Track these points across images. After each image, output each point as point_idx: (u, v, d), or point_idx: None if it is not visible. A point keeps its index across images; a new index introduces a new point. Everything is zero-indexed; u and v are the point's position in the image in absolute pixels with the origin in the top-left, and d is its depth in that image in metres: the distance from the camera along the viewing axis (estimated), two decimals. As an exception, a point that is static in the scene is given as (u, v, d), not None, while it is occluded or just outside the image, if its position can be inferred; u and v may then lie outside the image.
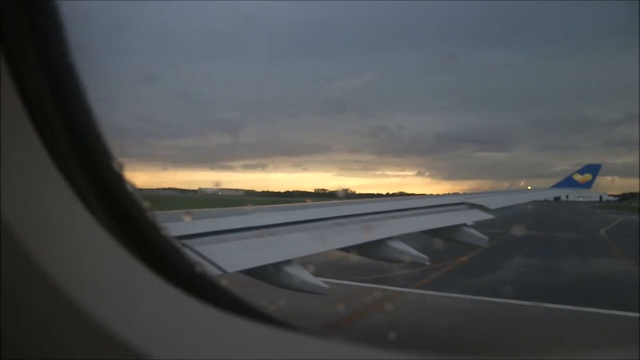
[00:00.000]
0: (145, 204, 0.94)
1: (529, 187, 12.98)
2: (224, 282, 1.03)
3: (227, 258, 3.16)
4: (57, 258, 0.79)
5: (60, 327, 0.78)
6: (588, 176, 13.22)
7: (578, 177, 13.24)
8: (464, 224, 6.54)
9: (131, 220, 0.94)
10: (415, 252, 5.07)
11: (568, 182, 13.21)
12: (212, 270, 2.86)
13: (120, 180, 0.94)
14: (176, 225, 3.27)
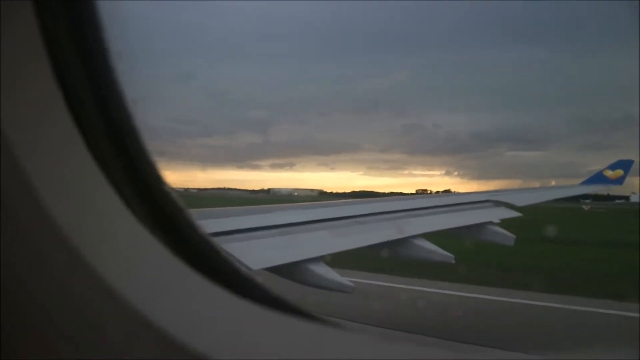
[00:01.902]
0: (182, 203, 0.97)
1: (553, 183, 12.63)
2: (256, 277, 1.05)
3: (252, 256, 3.20)
4: (104, 255, 0.81)
5: (110, 325, 0.81)
6: (620, 172, 12.77)
7: (609, 173, 12.80)
8: (490, 222, 6.43)
9: (169, 219, 0.97)
10: (441, 251, 5.02)
11: (598, 178, 12.79)
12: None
13: (158, 179, 0.96)
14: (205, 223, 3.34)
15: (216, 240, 1.05)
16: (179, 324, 0.78)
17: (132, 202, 0.91)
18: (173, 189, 0.96)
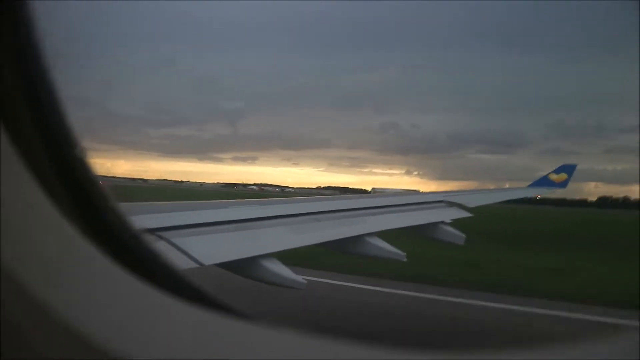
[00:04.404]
0: (110, 194, 0.95)
1: (507, 185, 13.20)
2: (186, 274, 1.05)
3: (203, 251, 3.15)
4: (23, 252, 0.78)
5: (28, 326, 0.78)
6: (564, 175, 13.56)
7: (554, 177, 13.56)
8: (442, 222, 6.65)
9: (94, 210, 0.94)
10: (393, 249, 5.14)
11: (544, 181, 13.52)
12: (188, 263, 2.86)
13: (83, 168, 0.94)
14: (154, 217, 3.26)
15: (148, 236, 1.03)
16: (101, 324, 0.77)
17: (55, 193, 0.88)
18: (101, 181, 0.94)
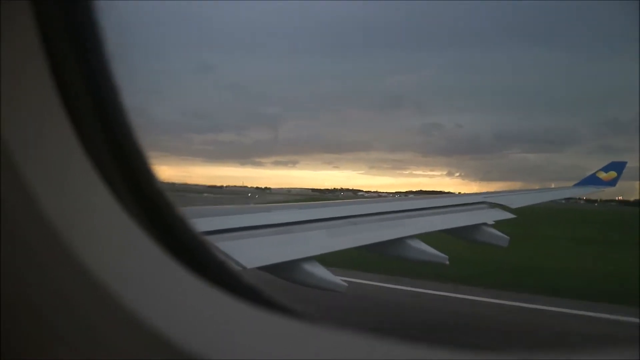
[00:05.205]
0: (174, 200, 0.98)
1: (552, 185, 12.70)
2: (246, 275, 1.07)
3: (246, 254, 3.21)
4: (95, 253, 0.83)
5: (102, 324, 0.82)
6: (613, 174, 12.86)
7: (602, 175, 12.89)
8: (484, 224, 6.47)
9: (161, 216, 0.98)
10: (435, 252, 5.04)
11: (592, 179, 12.87)
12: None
13: (151, 177, 0.98)
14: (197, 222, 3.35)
15: (208, 239, 1.06)
16: (170, 323, 0.80)
17: (125, 199, 0.92)
18: (166, 186, 0.98)
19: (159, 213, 0.99)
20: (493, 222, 6.67)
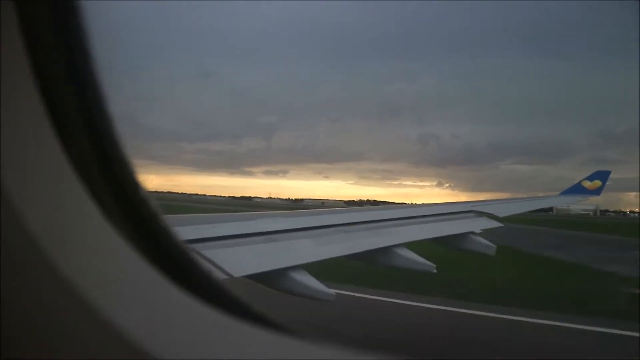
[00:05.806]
0: (158, 208, 0.99)
1: (540, 195, 12.85)
2: (229, 286, 1.07)
3: (233, 262, 3.19)
4: (76, 261, 0.82)
5: (75, 327, 0.81)
6: (597, 182, 13.07)
7: (587, 184, 13.09)
8: (472, 232, 6.51)
9: (143, 223, 0.98)
10: (422, 260, 5.06)
11: (577, 188, 13.07)
12: (218, 274, 2.90)
13: (135, 185, 0.98)
14: (184, 230, 3.33)
15: (191, 248, 1.07)
16: (147, 332, 0.80)
17: (108, 208, 0.93)
18: (150, 194, 0.98)
19: (142, 222, 0.99)
20: (480, 231, 6.73)
